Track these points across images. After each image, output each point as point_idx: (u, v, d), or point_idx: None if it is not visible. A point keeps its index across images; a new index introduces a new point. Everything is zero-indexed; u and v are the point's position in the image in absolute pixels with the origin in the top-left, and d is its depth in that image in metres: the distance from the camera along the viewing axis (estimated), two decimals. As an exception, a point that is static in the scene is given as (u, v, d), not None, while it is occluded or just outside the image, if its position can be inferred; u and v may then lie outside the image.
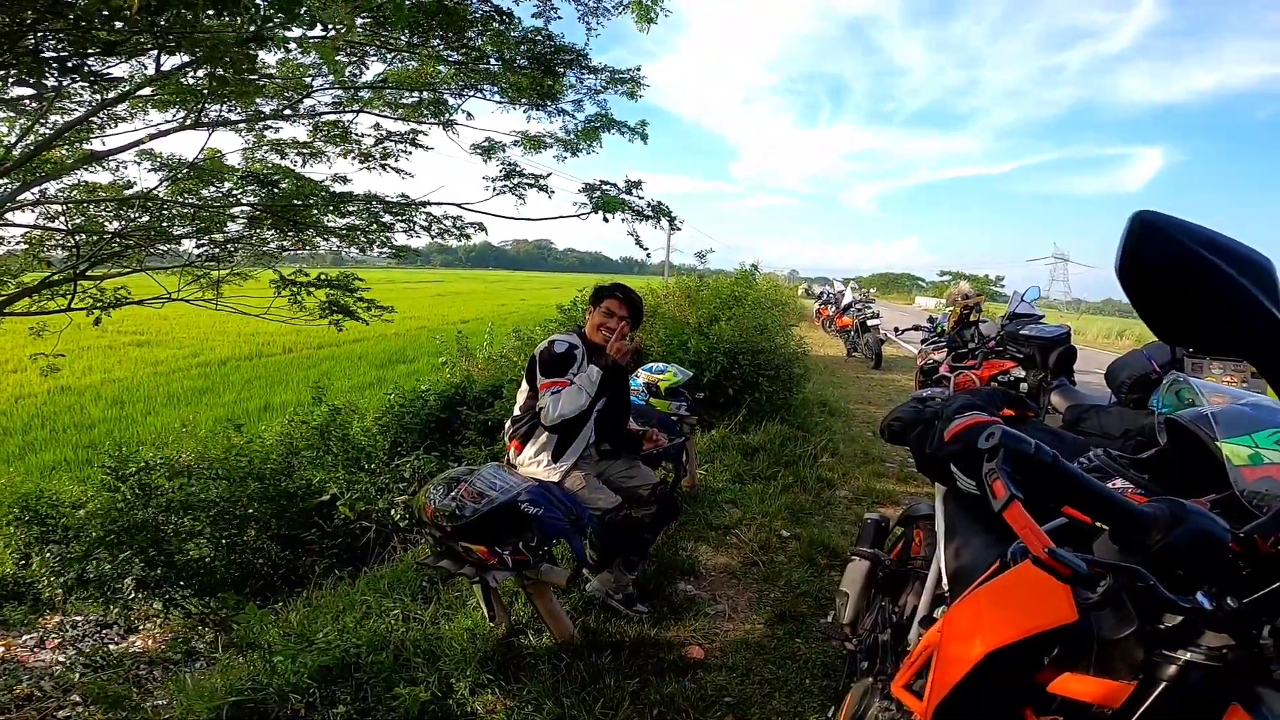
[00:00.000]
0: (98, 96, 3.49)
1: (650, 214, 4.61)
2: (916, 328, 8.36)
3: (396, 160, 4.79)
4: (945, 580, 1.52)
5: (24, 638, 3.42)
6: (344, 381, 11.74)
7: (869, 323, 11.45)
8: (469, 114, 4.68)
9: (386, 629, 2.62)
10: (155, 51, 2.85)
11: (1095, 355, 12.62)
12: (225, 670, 2.56)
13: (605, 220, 4.46)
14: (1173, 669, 0.75)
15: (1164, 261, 0.68)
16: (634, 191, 4.56)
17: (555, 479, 2.58)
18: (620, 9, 4.04)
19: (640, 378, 4.13)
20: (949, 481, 1.67)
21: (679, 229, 5.21)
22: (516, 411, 2.74)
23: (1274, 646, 0.68)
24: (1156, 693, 0.75)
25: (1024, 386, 5.25)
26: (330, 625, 2.61)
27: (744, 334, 6.50)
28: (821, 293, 18.98)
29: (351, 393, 9.55)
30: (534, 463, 2.63)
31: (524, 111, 4.63)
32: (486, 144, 4.76)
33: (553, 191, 4.80)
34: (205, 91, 3.47)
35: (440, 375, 7.49)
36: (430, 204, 4.80)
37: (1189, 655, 0.74)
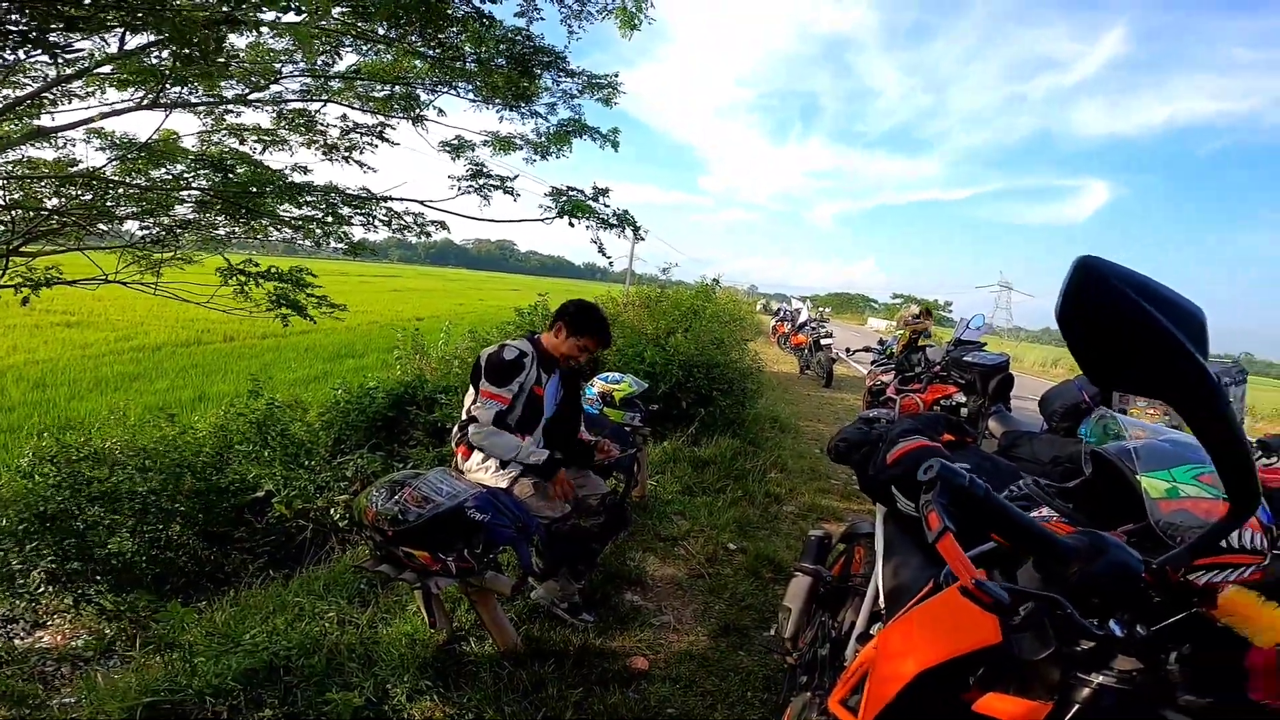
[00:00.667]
0: (53, 72, 3.30)
1: (615, 222, 4.61)
2: (867, 349, 8.61)
3: (362, 153, 4.68)
4: (882, 598, 1.56)
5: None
6: (289, 374, 11.31)
7: (822, 342, 11.71)
8: (441, 110, 4.61)
9: (320, 632, 2.54)
10: (121, 29, 2.71)
11: (1031, 382, 13.18)
12: (141, 669, 2.43)
13: (571, 225, 4.44)
14: (1086, 691, 0.79)
15: (1103, 307, 0.70)
16: (601, 199, 4.56)
17: (503, 485, 2.54)
18: (604, 14, 4.04)
19: (595, 387, 4.12)
20: (890, 502, 1.72)
21: (643, 239, 5.23)
22: (464, 416, 2.68)
23: (1180, 672, 0.72)
24: (1071, 714, 0.79)
25: (964, 411, 5.46)
26: (259, 626, 2.50)
27: (701, 348, 6.56)
28: (779, 310, 19.33)
29: (296, 386, 9.21)
30: (482, 468, 2.58)
31: (497, 111, 4.59)
32: (456, 142, 4.68)
33: (519, 194, 4.75)
34: (167, 72, 3.32)
35: (391, 372, 7.29)
36: (392, 199, 4.69)
37: (1101, 678, 0.78)
